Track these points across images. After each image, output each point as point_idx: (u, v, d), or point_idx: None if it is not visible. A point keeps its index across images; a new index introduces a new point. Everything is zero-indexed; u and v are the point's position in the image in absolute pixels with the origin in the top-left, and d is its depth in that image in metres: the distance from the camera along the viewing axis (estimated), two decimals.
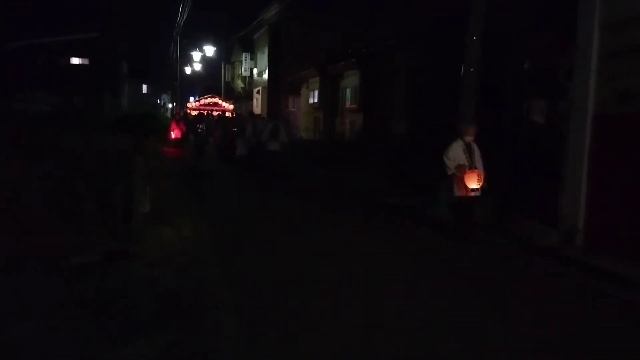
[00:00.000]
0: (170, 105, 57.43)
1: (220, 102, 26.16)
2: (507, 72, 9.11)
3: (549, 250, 6.78)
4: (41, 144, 9.47)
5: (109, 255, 5.30)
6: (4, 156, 7.70)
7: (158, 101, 63.84)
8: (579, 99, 6.80)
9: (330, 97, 21.93)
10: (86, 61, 42.49)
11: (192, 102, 27.90)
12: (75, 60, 42.60)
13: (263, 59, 31.21)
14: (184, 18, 22.81)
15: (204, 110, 25.11)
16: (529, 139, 8.71)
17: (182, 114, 25.48)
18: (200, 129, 18.68)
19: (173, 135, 19.59)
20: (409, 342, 3.91)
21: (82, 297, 4.32)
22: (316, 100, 23.71)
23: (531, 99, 8.74)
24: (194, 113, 23.96)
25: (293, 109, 27.50)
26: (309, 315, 4.36)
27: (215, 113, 24.42)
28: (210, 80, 42.89)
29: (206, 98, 26.43)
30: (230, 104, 25.65)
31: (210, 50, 31.33)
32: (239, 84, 36.55)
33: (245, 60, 33.91)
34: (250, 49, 33.84)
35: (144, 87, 60.89)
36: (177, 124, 20.13)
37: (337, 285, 5.17)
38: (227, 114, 24.69)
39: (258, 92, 32.65)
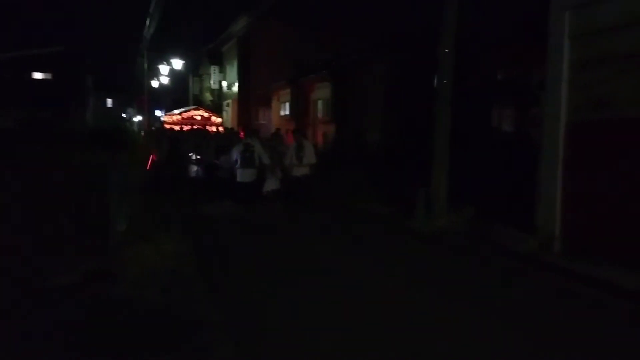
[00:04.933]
0: (136, 119, 56.56)
1: (206, 114, 21.61)
2: (480, 82, 9.28)
3: (527, 257, 6.89)
4: (8, 161, 9.21)
5: (90, 275, 5.14)
6: None
7: (124, 115, 62.82)
8: (551, 108, 6.97)
9: (301, 109, 21.96)
10: (50, 76, 41.58)
11: (168, 115, 22.66)
12: (38, 75, 41.63)
13: (232, 71, 31.07)
14: (152, 31, 22.48)
15: (186, 125, 20.30)
16: (504, 148, 8.88)
17: (155, 129, 21.58)
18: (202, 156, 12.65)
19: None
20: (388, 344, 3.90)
21: (64, 320, 4.16)
22: (287, 112, 23.70)
23: (505, 109, 8.93)
24: (176, 128, 19.05)
25: (264, 122, 27.41)
26: (302, 330, 4.30)
27: (187, 128, 19.59)
28: (177, 94, 42.39)
29: (189, 110, 21.70)
30: (218, 117, 21.17)
31: (178, 63, 30.91)
32: (208, 96, 36.24)
33: (214, 72, 33.68)
34: (219, 61, 33.65)
35: (109, 101, 59.88)
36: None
37: (324, 296, 5.13)
38: (210, 130, 19.54)
39: (228, 104, 32.44)
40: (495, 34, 8.78)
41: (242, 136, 13.47)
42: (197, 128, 18.54)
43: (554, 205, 6.89)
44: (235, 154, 9.95)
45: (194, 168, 11.94)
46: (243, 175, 9.93)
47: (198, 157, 12.01)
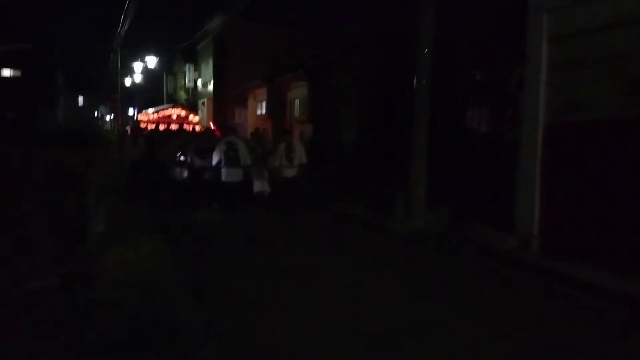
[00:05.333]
0: (108, 118, 55.56)
1: (183, 113, 20.27)
2: (458, 82, 9.37)
3: (506, 256, 6.98)
4: None
5: (68, 278, 5.01)
6: None
7: (95, 113, 61.66)
8: (529, 109, 7.08)
9: (278, 108, 21.88)
10: (18, 73, 40.54)
11: (143, 113, 21.32)
12: (6, 72, 40.55)
13: (208, 69, 30.78)
14: (125, 28, 22.12)
15: (163, 124, 19.34)
16: (482, 148, 8.98)
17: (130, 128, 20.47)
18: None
19: None
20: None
21: (43, 326, 4.05)
22: (264, 111, 23.59)
23: (483, 109, 9.03)
24: (151, 127, 17.87)
25: (240, 121, 27.23)
26: (285, 330, 4.27)
27: (164, 127, 18.36)
28: (151, 92, 41.83)
29: (166, 108, 20.39)
30: (195, 116, 20.32)
31: (152, 61, 30.51)
32: (182, 95, 35.86)
33: (189, 71, 33.35)
34: (194, 59, 33.31)
35: (81, 99, 58.69)
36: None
37: (308, 292, 5.12)
38: (188, 128, 18.78)
39: (203, 103, 32.14)
40: (474, 34, 8.87)
41: (217, 134, 13.25)
42: (177, 128, 18.06)
43: (532, 204, 7.00)
44: (219, 154, 9.60)
45: (180, 170, 11.23)
46: (228, 175, 9.61)
47: (183, 158, 11.36)
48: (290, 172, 9.96)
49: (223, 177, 9.65)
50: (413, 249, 7.67)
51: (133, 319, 4.21)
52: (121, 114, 31.98)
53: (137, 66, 32.83)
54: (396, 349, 3.99)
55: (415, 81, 8.99)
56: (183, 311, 4.55)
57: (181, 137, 12.82)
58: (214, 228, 8.86)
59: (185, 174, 10.84)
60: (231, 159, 9.55)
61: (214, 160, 9.79)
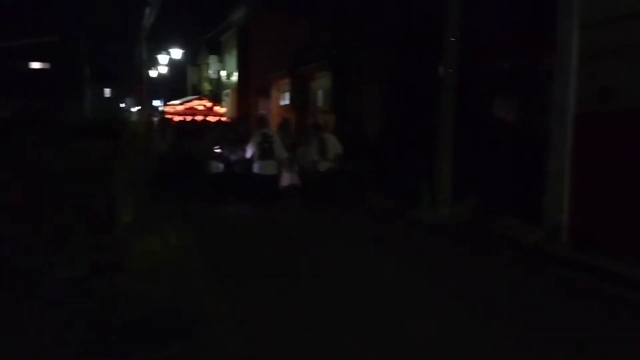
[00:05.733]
0: (133, 110, 56.30)
1: (208, 104, 19.45)
2: (485, 71, 9.21)
3: (533, 247, 6.86)
4: (8, 151, 9.11)
5: (96, 268, 5.09)
6: None
7: (121, 105, 62.54)
8: (559, 98, 6.91)
9: (301, 99, 21.83)
10: (47, 65, 41.29)
11: (169, 105, 21.47)
12: (35, 65, 41.34)
13: (231, 61, 30.86)
14: (151, 20, 22.26)
15: (189, 115, 19.15)
16: (509, 138, 8.82)
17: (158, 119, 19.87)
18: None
19: None
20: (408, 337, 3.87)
21: (72, 314, 4.12)
22: (287, 102, 23.57)
23: (510, 98, 8.86)
24: (177, 119, 17.46)
25: (263, 111, 27.28)
26: (311, 323, 4.26)
27: (189, 118, 18.22)
28: (175, 83, 42.19)
29: (191, 100, 19.90)
30: (221, 107, 19.69)
31: (177, 52, 30.71)
32: (206, 86, 36.04)
33: (213, 62, 33.47)
34: (218, 51, 33.41)
35: (107, 91, 59.58)
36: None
37: (333, 286, 5.10)
38: (214, 120, 17.84)
39: (227, 94, 32.27)
40: (501, 21, 8.69)
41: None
42: (202, 119, 17.78)
43: (561, 196, 6.86)
44: (253, 146, 9.36)
45: (216, 164, 10.38)
46: (262, 167, 9.34)
47: (220, 151, 10.54)
48: (324, 165, 9.80)
49: (256, 170, 9.40)
50: (438, 240, 7.60)
51: (159, 308, 4.26)
52: (146, 105, 32.34)
53: (162, 58, 33.09)
54: (423, 339, 3.96)
55: (441, 70, 8.87)
56: (208, 301, 4.59)
57: (216, 129, 12.02)
58: (242, 221, 8.80)
59: (222, 167, 10.27)
60: (265, 151, 9.30)
61: (248, 153, 9.53)
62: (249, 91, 28.15)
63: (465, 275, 5.75)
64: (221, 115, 18.66)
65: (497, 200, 8.42)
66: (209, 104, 19.17)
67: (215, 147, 10.10)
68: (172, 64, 35.21)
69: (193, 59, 37.93)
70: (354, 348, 3.81)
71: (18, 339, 3.68)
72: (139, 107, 43.59)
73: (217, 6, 32.09)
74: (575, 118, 6.71)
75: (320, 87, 20.23)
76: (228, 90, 31.92)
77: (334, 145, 9.89)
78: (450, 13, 8.66)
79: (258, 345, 3.82)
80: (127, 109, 60.83)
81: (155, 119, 22.94)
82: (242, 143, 9.96)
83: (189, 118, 17.88)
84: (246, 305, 4.63)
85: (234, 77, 29.80)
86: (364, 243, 7.19)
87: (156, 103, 47.25)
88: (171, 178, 11.80)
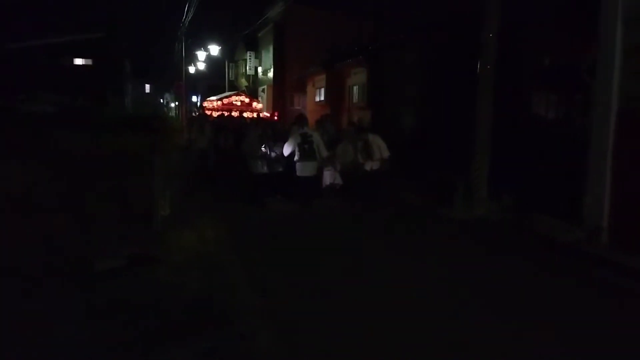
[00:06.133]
0: (173, 105, 57.44)
1: (246, 99, 19.45)
2: (524, 66, 9.02)
3: (572, 248, 6.70)
4: (54, 146, 9.44)
5: (134, 259, 5.25)
6: (19, 160, 7.70)
7: (161, 100, 63.85)
8: (601, 95, 6.72)
9: (337, 95, 21.84)
10: (89, 61, 42.50)
11: (208, 101, 21.27)
12: (78, 61, 42.61)
13: (268, 57, 31.10)
14: (189, 17, 22.66)
15: (227, 111, 18.39)
16: (548, 134, 8.62)
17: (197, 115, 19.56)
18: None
19: None
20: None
21: (112, 303, 4.27)
22: (322, 98, 23.61)
23: (550, 94, 8.66)
24: (215, 114, 17.16)
25: (298, 107, 27.41)
26: (346, 320, 4.29)
27: (227, 114, 17.89)
28: (213, 79, 42.82)
29: (229, 96, 19.90)
30: (259, 103, 19.36)
31: (215, 49, 31.22)
32: (243, 82, 36.44)
33: (250, 58, 33.78)
34: (255, 47, 33.72)
35: (147, 87, 60.93)
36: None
37: (370, 286, 5.11)
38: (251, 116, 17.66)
39: (263, 90, 32.55)
40: (541, 16, 8.48)
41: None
42: (262, 117, 17.41)
43: (602, 195, 6.67)
44: (292, 146, 8.96)
45: (261, 163, 9.80)
46: (303, 168, 8.98)
47: (265, 149, 9.94)
48: (368, 165, 9.51)
49: (298, 172, 9.03)
50: (474, 239, 7.49)
51: (193, 300, 4.36)
52: (185, 101, 32.94)
53: (201, 55, 33.66)
54: (462, 342, 3.93)
55: (479, 66, 8.73)
56: (243, 295, 4.67)
57: (258, 126, 11.18)
58: (280, 218, 8.65)
59: (266, 167, 9.80)
60: (306, 151, 8.92)
61: (286, 152, 9.13)
62: (285, 87, 28.32)
63: (504, 276, 5.64)
64: (259, 111, 18.62)
65: (535, 199, 8.24)
66: (247, 100, 19.24)
67: (261, 146, 9.73)
68: (210, 60, 35.80)
69: (231, 55, 38.38)
70: (389, 347, 3.82)
71: (58, 325, 3.83)
72: (177, 103, 44.46)
73: (255, 2, 32.37)
74: (618, 115, 6.51)
75: (356, 83, 20.18)
76: (264, 86, 32.18)
77: (378, 148, 9.54)
78: (488, 9, 8.51)
79: (291, 341, 3.87)
80: (166, 104, 62.08)
81: (194, 113, 23.15)
82: (281, 141, 9.70)
83: (227, 114, 17.93)
84: (281, 301, 4.68)
85: (270, 73, 30.03)
86: (400, 242, 7.14)
87: (194, 99, 48.09)
88: (210, 174, 11.97)
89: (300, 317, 4.30)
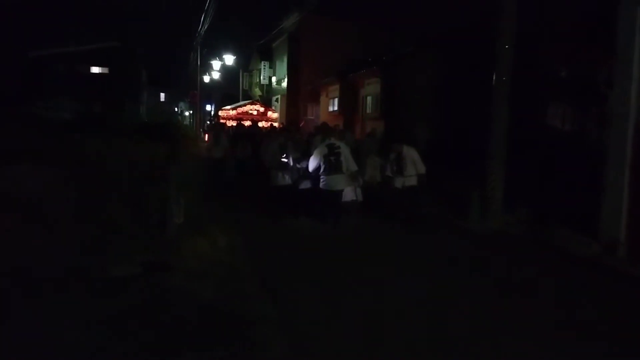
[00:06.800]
0: (187, 113, 57.94)
1: (262, 109, 19.61)
2: (540, 78, 8.96)
3: (589, 261, 6.62)
4: (71, 151, 9.55)
5: (148, 267, 5.26)
6: (32, 165, 7.80)
7: (175, 109, 64.47)
8: (619, 108, 6.66)
9: (350, 105, 21.87)
10: (106, 70, 43.09)
11: (223, 110, 21.41)
12: (95, 69, 43.22)
13: (282, 67, 31.27)
14: (205, 28, 22.88)
15: (242, 120, 18.15)
16: (564, 147, 8.54)
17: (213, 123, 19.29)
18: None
19: None
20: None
21: (125, 310, 4.27)
22: (336, 108, 23.66)
23: (566, 106, 8.59)
24: (230, 123, 17.09)
25: (312, 117, 27.48)
26: (359, 332, 4.26)
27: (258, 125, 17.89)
28: (227, 89, 43.17)
29: (244, 105, 20.08)
30: (274, 112, 19.26)
31: (229, 59, 31.52)
32: (257, 92, 36.65)
33: (264, 68, 33.99)
34: (269, 57, 33.93)
35: (162, 95, 61.56)
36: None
37: (386, 299, 5.08)
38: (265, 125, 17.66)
39: (277, 100, 32.70)
40: (557, 27, 8.43)
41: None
42: (281, 126, 16.97)
43: (619, 209, 6.60)
44: (317, 158, 8.25)
45: (282, 175, 9.19)
46: (329, 182, 8.24)
47: (285, 161, 9.23)
48: (399, 182, 8.91)
49: (322, 185, 8.34)
50: (490, 251, 7.39)
51: (207, 308, 4.36)
52: (200, 109, 33.23)
53: (216, 64, 33.98)
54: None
55: (494, 78, 8.69)
56: (256, 304, 4.66)
57: (279, 136, 10.51)
58: (296, 231, 8.39)
59: (288, 178, 9.21)
60: (332, 164, 8.18)
61: (311, 165, 8.39)
62: (299, 97, 28.42)
63: (522, 289, 5.59)
64: (274, 120, 18.69)
65: (551, 212, 8.15)
66: (262, 109, 19.32)
67: (282, 157, 9.15)
68: (225, 69, 36.12)
69: (245, 65, 38.68)
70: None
71: (70, 331, 3.84)
72: (192, 111, 44.84)
73: (270, 13, 32.60)
74: (635, 128, 6.44)
75: (369, 94, 20.20)
76: (278, 96, 32.34)
77: (413, 162, 8.80)
78: (504, 19, 8.48)
79: (304, 350, 3.85)
80: (180, 113, 62.63)
81: (208, 122, 23.28)
82: (304, 154, 9.19)
83: (247, 123, 17.90)
84: (294, 311, 4.67)
85: (284, 83, 30.17)
86: (416, 255, 7.04)
87: (208, 107, 48.45)
88: (226, 184, 11.90)
89: (313, 327, 4.28)
